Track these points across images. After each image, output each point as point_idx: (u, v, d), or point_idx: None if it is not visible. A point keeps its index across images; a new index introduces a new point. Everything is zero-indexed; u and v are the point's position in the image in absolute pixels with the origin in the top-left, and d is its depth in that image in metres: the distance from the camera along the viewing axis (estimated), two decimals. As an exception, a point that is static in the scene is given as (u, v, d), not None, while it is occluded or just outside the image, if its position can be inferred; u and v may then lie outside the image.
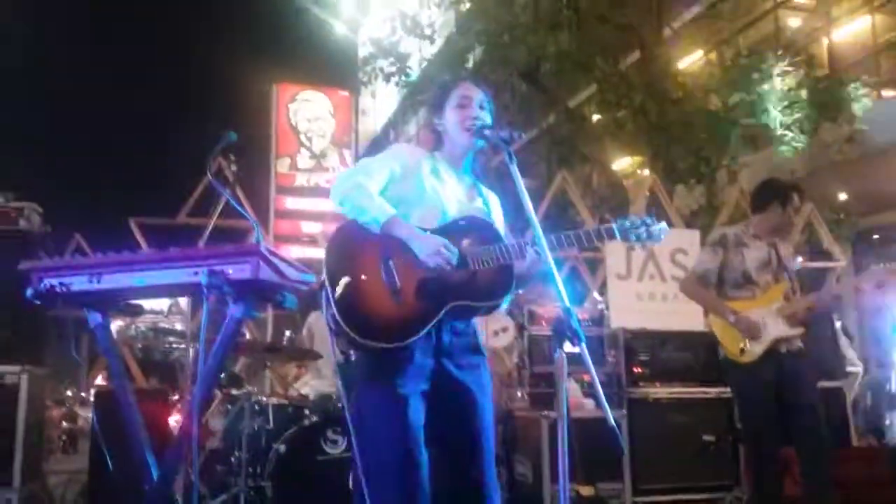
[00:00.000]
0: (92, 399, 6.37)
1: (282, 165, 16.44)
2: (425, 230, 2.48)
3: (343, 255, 2.46)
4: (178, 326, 6.69)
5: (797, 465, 5.78)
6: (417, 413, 2.43)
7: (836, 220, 10.09)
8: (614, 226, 2.46)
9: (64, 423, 11.26)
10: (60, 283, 2.07)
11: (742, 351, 4.24)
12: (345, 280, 2.40)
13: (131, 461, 2.33)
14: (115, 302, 2.23)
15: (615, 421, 2.08)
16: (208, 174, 2.17)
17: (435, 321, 2.42)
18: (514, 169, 2.37)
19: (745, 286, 4.32)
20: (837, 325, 7.58)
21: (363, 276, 2.43)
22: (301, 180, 16.36)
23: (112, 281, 2.08)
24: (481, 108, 2.69)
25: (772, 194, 4.45)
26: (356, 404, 2.58)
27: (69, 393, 13.06)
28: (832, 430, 6.16)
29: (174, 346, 6.49)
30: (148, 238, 6.70)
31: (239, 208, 2.23)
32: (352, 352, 2.53)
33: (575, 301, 7.42)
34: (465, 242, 2.49)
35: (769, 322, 4.25)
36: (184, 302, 6.81)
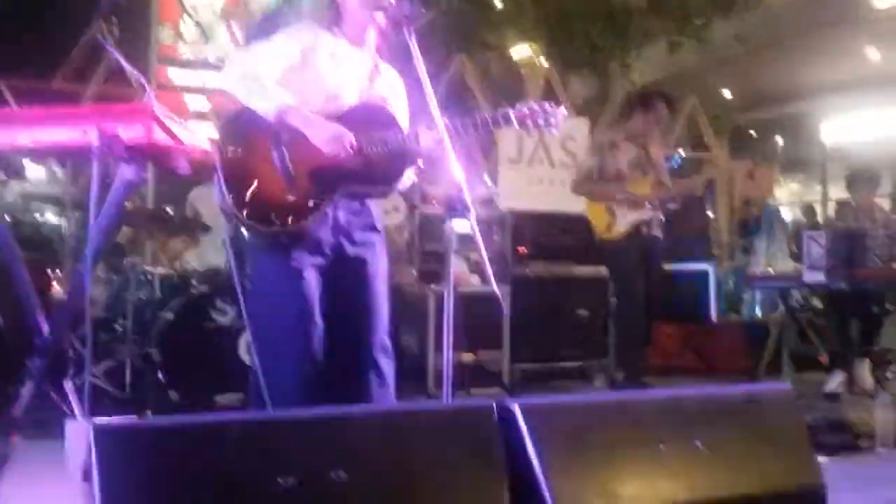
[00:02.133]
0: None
1: (164, 35, 15.45)
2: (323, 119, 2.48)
3: (235, 140, 2.46)
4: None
5: (666, 339, 6.45)
6: (310, 284, 2.49)
7: (717, 115, 10.54)
8: (511, 112, 2.48)
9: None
10: (-66, 137, 2.00)
11: (609, 228, 4.85)
12: (235, 164, 2.41)
13: (21, 325, 2.34)
14: (-1, 160, 2.16)
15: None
16: (98, 35, 2.08)
17: (327, 206, 2.47)
18: (415, 47, 2.35)
19: (618, 182, 4.89)
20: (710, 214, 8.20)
21: (255, 162, 2.44)
22: (185, 51, 15.44)
23: (-4, 139, 2.02)
24: None
25: (636, 103, 5.18)
26: (250, 274, 2.65)
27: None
28: (697, 307, 6.81)
29: (47, 214, 6.12)
30: (20, 101, 6.23)
31: (128, 66, 2.16)
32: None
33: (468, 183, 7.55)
34: (363, 129, 2.48)
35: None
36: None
